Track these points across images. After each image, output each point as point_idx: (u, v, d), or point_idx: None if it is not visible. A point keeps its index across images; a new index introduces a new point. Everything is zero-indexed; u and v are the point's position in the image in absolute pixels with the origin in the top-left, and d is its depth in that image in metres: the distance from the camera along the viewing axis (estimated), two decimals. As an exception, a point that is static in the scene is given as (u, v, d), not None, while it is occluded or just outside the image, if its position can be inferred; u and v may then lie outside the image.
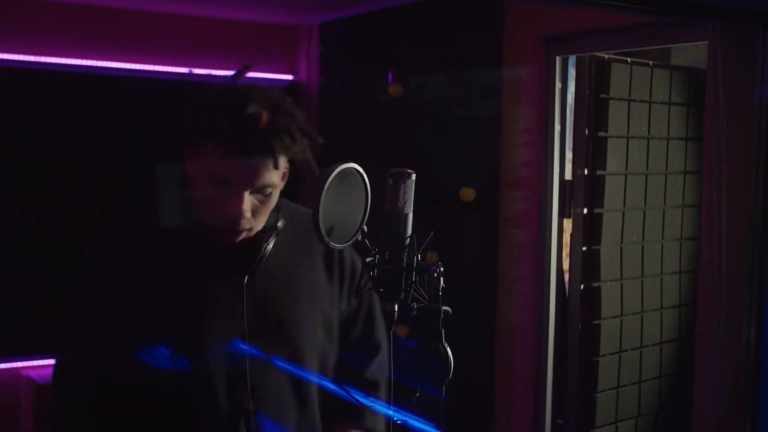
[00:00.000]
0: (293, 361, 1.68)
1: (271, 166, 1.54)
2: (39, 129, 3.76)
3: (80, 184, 3.85)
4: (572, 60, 3.21)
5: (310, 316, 1.73)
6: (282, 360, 1.67)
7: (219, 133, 1.51)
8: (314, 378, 1.71)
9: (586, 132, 3.17)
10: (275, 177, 1.57)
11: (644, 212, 3.32)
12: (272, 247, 1.63)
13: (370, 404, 1.73)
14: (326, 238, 1.50)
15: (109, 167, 3.89)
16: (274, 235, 1.64)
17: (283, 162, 1.58)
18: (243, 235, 1.59)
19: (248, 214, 1.55)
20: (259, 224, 1.61)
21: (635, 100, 3.21)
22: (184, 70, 3.96)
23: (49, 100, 3.78)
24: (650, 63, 3.27)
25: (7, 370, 3.78)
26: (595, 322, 3.20)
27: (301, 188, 4.29)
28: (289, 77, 4.30)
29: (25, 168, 3.74)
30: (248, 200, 1.55)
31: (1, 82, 3.66)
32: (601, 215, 3.19)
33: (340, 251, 1.76)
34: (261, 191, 1.57)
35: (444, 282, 1.47)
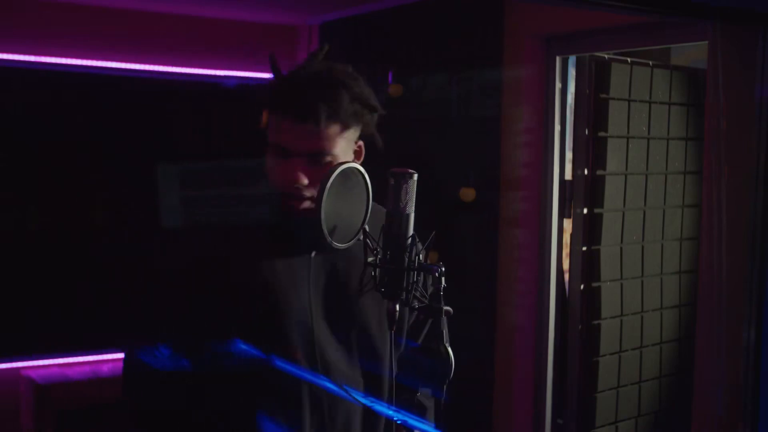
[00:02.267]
0: (367, 352, 1.69)
1: (320, 131, 1.57)
2: (39, 129, 3.75)
3: (80, 184, 3.85)
4: (572, 60, 3.21)
5: (377, 306, 1.72)
6: (356, 348, 1.68)
7: (272, 101, 1.60)
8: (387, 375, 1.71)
9: (586, 132, 3.17)
10: (329, 144, 1.59)
11: (644, 212, 3.32)
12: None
13: (370, 404, 1.73)
14: (329, 238, 1.50)
15: (108, 167, 3.89)
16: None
17: (335, 130, 1.59)
18: (306, 204, 1.60)
19: (304, 181, 1.58)
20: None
21: (635, 100, 3.21)
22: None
23: (49, 100, 3.78)
24: (650, 63, 3.27)
25: (7, 370, 3.78)
26: (595, 322, 3.21)
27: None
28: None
29: (25, 168, 3.74)
30: (302, 167, 1.58)
31: (1, 82, 3.66)
32: (601, 215, 3.19)
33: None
34: (317, 159, 1.59)
35: (445, 282, 1.47)
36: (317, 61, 1.69)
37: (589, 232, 3.19)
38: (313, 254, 1.65)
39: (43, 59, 3.74)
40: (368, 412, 1.71)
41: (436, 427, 1.54)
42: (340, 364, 1.66)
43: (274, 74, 1.68)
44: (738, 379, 2.47)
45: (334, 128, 1.59)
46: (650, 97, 3.26)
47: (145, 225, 3.70)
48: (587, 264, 3.20)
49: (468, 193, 3.35)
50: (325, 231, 1.49)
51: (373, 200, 1.57)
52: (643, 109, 3.25)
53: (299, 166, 1.58)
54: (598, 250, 3.19)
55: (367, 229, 1.53)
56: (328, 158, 1.60)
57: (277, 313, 1.60)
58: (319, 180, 1.56)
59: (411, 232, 1.46)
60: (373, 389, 1.72)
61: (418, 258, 1.46)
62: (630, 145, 3.22)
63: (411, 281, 1.45)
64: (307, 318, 1.62)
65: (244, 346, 1.57)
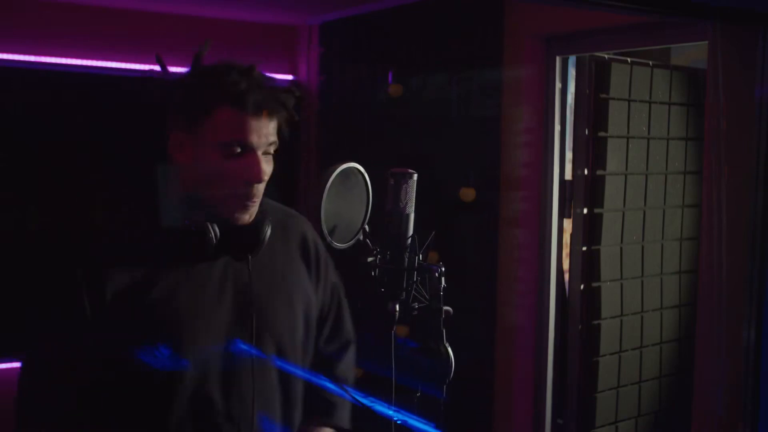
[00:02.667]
0: (280, 356, 1.67)
1: (271, 124, 1.55)
2: (39, 129, 3.75)
3: (80, 184, 3.85)
4: (572, 60, 3.21)
5: (295, 309, 1.71)
6: (270, 354, 1.65)
7: (233, 93, 1.53)
8: (300, 373, 1.70)
9: (586, 132, 3.17)
10: (276, 137, 1.58)
11: (644, 212, 3.32)
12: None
13: (370, 404, 1.73)
14: (329, 238, 1.50)
15: (108, 166, 3.89)
16: (268, 219, 1.61)
17: (276, 123, 1.58)
18: (251, 209, 1.57)
19: (266, 177, 1.55)
20: (258, 202, 1.60)
21: (635, 100, 3.21)
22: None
23: (49, 100, 3.78)
24: (650, 63, 3.27)
25: (7, 370, 3.78)
26: (595, 322, 3.21)
27: (302, 188, 4.27)
28: (289, 77, 4.29)
29: (25, 168, 3.74)
30: (263, 161, 1.55)
31: (1, 82, 3.66)
32: (601, 215, 3.19)
33: (313, 241, 1.74)
34: (268, 153, 1.57)
35: (445, 282, 1.47)
36: (202, 55, 1.67)
37: (589, 232, 3.19)
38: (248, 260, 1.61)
39: (43, 59, 3.74)
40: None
41: (436, 427, 1.54)
42: (269, 384, 1.66)
43: (192, 68, 1.63)
44: (738, 379, 2.47)
45: (275, 123, 1.59)
46: (650, 97, 3.26)
47: (146, 225, 3.70)
48: (587, 264, 3.20)
49: (468, 193, 3.35)
50: (325, 231, 1.49)
51: (372, 200, 1.57)
52: (643, 109, 3.25)
53: (259, 161, 1.55)
54: (598, 250, 3.19)
55: (367, 229, 1.53)
56: (274, 148, 1.59)
57: (199, 332, 1.57)
58: (268, 176, 1.57)
59: (411, 232, 1.46)
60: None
61: (418, 258, 1.46)
62: (630, 145, 3.22)
63: (411, 281, 1.45)
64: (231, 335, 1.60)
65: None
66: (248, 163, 1.53)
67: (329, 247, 1.59)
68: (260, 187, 1.56)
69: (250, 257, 1.58)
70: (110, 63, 3.88)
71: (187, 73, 1.62)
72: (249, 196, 1.56)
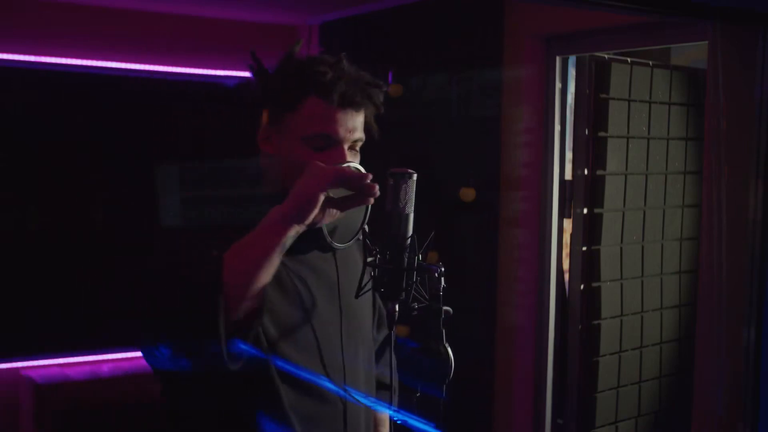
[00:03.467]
0: (363, 347, 1.70)
1: (358, 118, 1.56)
2: (39, 129, 3.75)
3: (80, 184, 3.85)
4: (572, 60, 3.21)
5: (368, 299, 1.75)
6: (358, 344, 1.68)
7: (320, 84, 1.52)
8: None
9: (586, 132, 3.17)
10: (362, 132, 1.58)
11: (644, 212, 3.32)
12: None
13: (370, 404, 1.73)
14: (329, 238, 1.50)
15: (108, 167, 3.89)
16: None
17: (363, 118, 1.58)
18: None
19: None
20: None
21: (635, 100, 3.21)
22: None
23: (49, 100, 3.78)
24: (650, 63, 3.27)
25: (7, 370, 3.78)
26: (595, 322, 3.21)
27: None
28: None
29: (25, 168, 3.74)
30: (349, 155, 1.54)
31: (1, 82, 3.66)
32: (601, 215, 3.19)
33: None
34: (354, 147, 1.57)
35: (445, 282, 1.47)
36: (295, 51, 1.65)
37: (589, 232, 3.19)
38: (334, 252, 1.62)
39: (43, 59, 3.74)
40: (361, 412, 1.71)
41: (436, 427, 1.54)
42: (340, 364, 1.66)
43: (283, 62, 1.61)
44: (738, 379, 2.47)
45: (362, 116, 1.58)
46: (650, 97, 3.26)
47: (145, 225, 3.70)
48: (587, 264, 3.20)
49: (468, 193, 3.35)
50: (325, 231, 1.49)
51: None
52: (643, 109, 3.25)
53: (345, 154, 1.54)
54: (598, 250, 3.19)
55: (367, 230, 1.53)
56: (360, 144, 1.59)
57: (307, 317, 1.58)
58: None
59: (410, 232, 1.46)
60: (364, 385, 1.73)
61: (418, 258, 1.46)
62: (630, 145, 3.22)
63: (410, 281, 1.45)
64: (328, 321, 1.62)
65: (243, 346, 1.57)
66: (333, 156, 1.52)
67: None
68: None
69: (335, 251, 1.60)
70: (110, 63, 3.88)
71: (278, 67, 1.61)
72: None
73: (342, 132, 1.53)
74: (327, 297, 1.63)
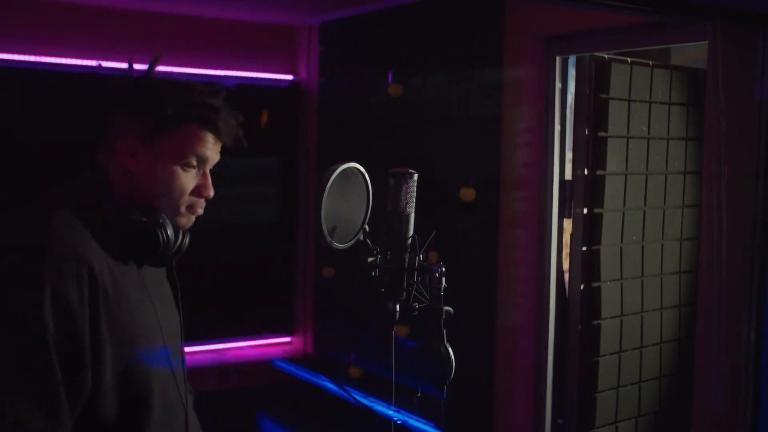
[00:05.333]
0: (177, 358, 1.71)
1: (219, 145, 1.64)
2: (39, 129, 3.75)
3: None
4: (572, 60, 3.21)
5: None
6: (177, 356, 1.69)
7: (207, 115, 1.59)
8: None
9: (586, 132, 3.17)
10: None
11: (644, 212, 3.32)
12: None
13: (370, 404, 1.73)
14: (329, 238, 1.50)
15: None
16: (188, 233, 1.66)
17: None
18: (192, 221, 1.63)
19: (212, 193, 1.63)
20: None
21: (635, 100, 3.21)
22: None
23: (49, 100, 3.78)
24: (650, 63, 3.27)
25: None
26: (595, 322, 3.21)
27: (302, 188, 4.27)
28: (289, 77, 4.29)
29: (25, 168, 3.74)
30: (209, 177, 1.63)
31: (1, 82, 3.66)
32: (601, 215, 3.19)
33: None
34: (208, 171, 1.65)
35: (445, 282, 1.47)
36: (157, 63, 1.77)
37: (589, 232, 3.19)
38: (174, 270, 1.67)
39: (43, 59, 3.74)
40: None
41: (436, 427, 1.54)
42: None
43: (149, 75, 1.74)
44: (738, 379, 2.47)
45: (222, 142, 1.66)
46: (650, 97, 3.26)
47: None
48: (587, 264, 3.20)
49: (468, 193, 3.35)
50: (325, 231, 1.49)
51: (373, 200, 1.57)
52: (643, 109, 3.25)
53: (208, 175, 1.63)
54: (598, 250, 3.19)
55: (368, 230, 1.53)
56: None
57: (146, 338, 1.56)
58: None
59: (411, 232, 1.46)
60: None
61: (419, 258, 1.46)
62: (630, 145, 3.22)
63: (411, 281, 1.45)
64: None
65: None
66: (203, 178, 1.61)
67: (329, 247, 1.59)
68: (204, 203, 1.64)
69: (173, 264, 1.65)
70: (110, 63, 3.88)
71: (144, 78, 1.69)
72: (196, 210, 1.62)
73: (211, 155, 1.62)
74: (170, 313, 1.67)
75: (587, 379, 3.22)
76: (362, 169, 1.56)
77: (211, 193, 1.62)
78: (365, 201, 1.56)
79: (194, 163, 1.59)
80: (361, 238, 1.53)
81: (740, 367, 2.47)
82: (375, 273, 1.45)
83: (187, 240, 1.62)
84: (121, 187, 1.61)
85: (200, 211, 1.63)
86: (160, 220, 1.55)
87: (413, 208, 1.46)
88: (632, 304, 3.31)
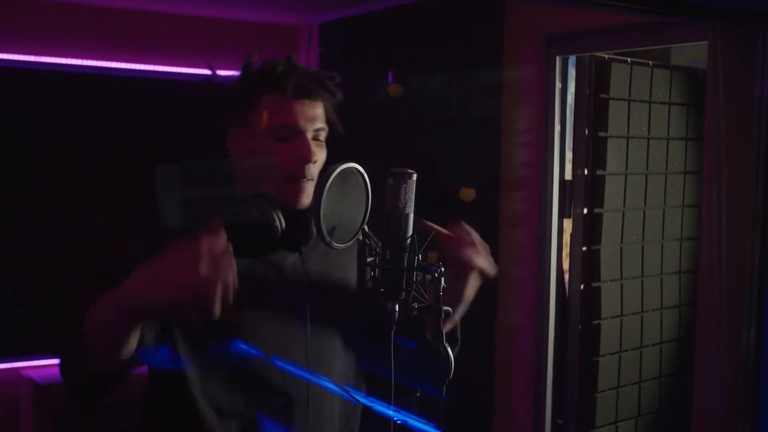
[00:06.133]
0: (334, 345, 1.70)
1: (317, 106, 1.62)
2: (39, 129, 3.75)
3: (80, 184, 3.85)
4: (572, 60, 3.21)
5: (347, 296, 1.75)
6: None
7: (273, 78, 1.59)
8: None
9: (586, 132, 3.17)
10: (324, 121, 1.63)
11: (644, 212, 3.32)
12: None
13: (370, 404, 1.73)
14: (328, 238, 1.50)
15: (108, 166, 3.89)
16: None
17: (322, 108, 1.64)
18: (307, 190, 1.58)
19: (315, 158, 1.58)
20: (312, 183, 1.61)
21: (635, 100, 3.21)
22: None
23: (49, 100, 3.78)
24: (650, 63, 3.27)
25: (7, 370, 3.78)
26: (595, 322, 3.21)
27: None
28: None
29: (26, 168, 3.74)
30: (312, 144, 1.59)
31: (1, 82, 3.66)
32: (601, 215, 3.19)
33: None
34: (318, 137, 1.62)
35: (445, 282, 1.47)
36: (253, 60, 1.73)
37: (589, 232, 3.19)
38: (305, 250, 1.63)
39: (43, 59, 3.74)
40: (355, 412, 1.73)
41: (436, 427, 1.54)
42: (332, 362, 1.67)
43: (242, 71, 1.69)
44: (738, 379, 2.47)
45: (322, 107, 1.64)
46: (650, 97, 3.26)
47: (145, 225, 3.70)
48: (587, 264, 3.20)
49: (468, 193, 3.35)
50: (325, 231, 1.49)
51: (372, 200, 1.57)
52: (643, 109, 3.25)
53: (308, 142, 1.59)
54: (598, 250, 3.19)
55: (367, 230, 1.53)
56: (324, 135, 1.64)
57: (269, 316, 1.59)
58: (321, 160, 1.61)
59: (410, 232, 1.46)
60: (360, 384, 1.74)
61: (418, 258, 1.46)
62: (630, 145, 3.22)
63: (410, 281, 1.45)
64: (304, 317, 1.62)
65: (244, 346, 1.57)
66: (297, 144, 1.58)
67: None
68: (312, 169, 1.59)
69: (303, 249, 1.62)
70: (110, 63, 3.88)
71: (238, 76, 1.69)
72: (301, 176, 1.58)
73: (302, 121, 1.59)
74: (289, 302, 1.64)
75: (587, 379, 3.22)
76: (361, 169, 1.56)
77: (310, 156, 1.57)
78: (364, 201, 1.56)
79: (285, 133, 1.58)
80: (360, 238, 1.53)
81: (740, 367, 2.47)
82: (374, 273, 1.45)
83: (311, 224, 1.55)
84: (240, 177, 1.64)
85: (309, 176, 1.58)
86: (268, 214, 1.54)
87: (413, 208, 1.46)
88: (632, 304, 3.30)
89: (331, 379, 1.68)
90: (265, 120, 1.59)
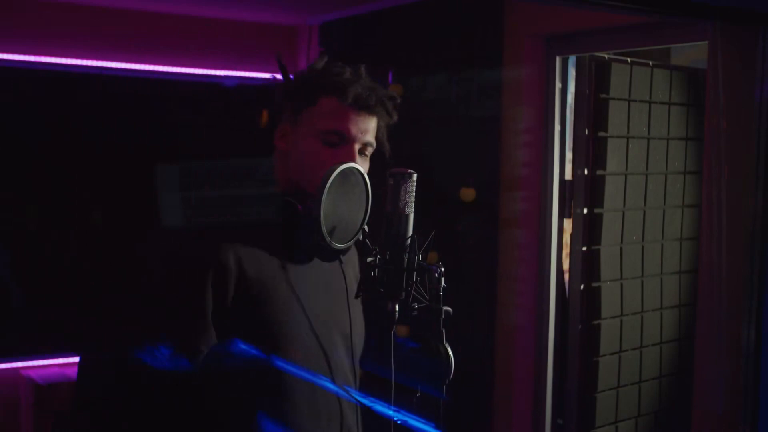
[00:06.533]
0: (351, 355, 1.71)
1: (372, 122, 1.62)
2: (39, 129, 3.76)
3: (80, 184, 3.85)
4: (572, 60, 3.21)
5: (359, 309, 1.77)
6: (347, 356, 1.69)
7: (337, 84, 1.60)
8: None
9: (586, 132, 3.17)
10: (373, 136, 1.64)
11: (644, 212, 3.32)
12: None
13: (370, 404, 1.73)
14: (328, 239, 1.50)
15: (108, 166, 3.89)
16: None
17: (376, 123, 1.64)
18: None
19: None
20: None
21: (635, 100, 3.21)
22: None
23: (49, 100, 3.78)
24: (650, 63, 3.27)
25: (7, 370, 3.78)
26: (595, 322, 3.21)
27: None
28: (290, 77, 4.29)
29: (26, 168, 3.74)
30: (357, 156, 1.60)
31: (1, 82, 3.66)
32: (601, 215, 3.19)
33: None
34: (364, 151, 1.62)
35: (445, 282, 1.47)
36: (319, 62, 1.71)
37: (589, 232, 3.19)
38: (341, 261, 1.63)
39: (43, 59, 3.74)
40: (362, 412, 1.73)
41: (436, 427, 1.54)
42: (344, 367, 1.67)
43: (307, 68, 1.69)
44: (738, 379, 2.47)
45: (376, 122, 1.65)
46: (650, 97, 3.26)
47: (146, 225, 3.70)
48: (587, 264, 3.20)
49: (468, 193, 3.35)
50: (325, 231, 1.49)
51: (372, 200, 1.57)
52: (643, 109, 3.25)
53: (355, 152, 1.60)
54: (598, 250, 3.19)
55: (367, 230, 1.53)
56: (371, 150, 1.65)
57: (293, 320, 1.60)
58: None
59: (410, 232, 1.46)
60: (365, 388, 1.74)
61: (418, 258, 1.46)
62: (630, 145, 3.22)
63: (410, 281, 1.45)
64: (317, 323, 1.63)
65: (244, 346, 1.57)
66: (343, 153, 1.59)
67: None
68: None
69: (341, 258, 1.62)
70: (110, 63, 3.88)
71: (301, 72, 1.70)
72: None
73: (354, 131, 1.60)
74: (330, 308, 1.66)
75: (587, 379, 3.22)
76: (361, 169, 1.56)
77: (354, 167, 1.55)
78: (364, 201, 1.56)
79: (335, 139, 1.59)
80: (361, 238, 1.53)
81: (740, 367, 2.47)
82: (374, 273, 1.46)
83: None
84: (282, 173, 1.65)
85: None
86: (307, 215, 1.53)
87: (413, 208, 1.46)
88: (632, 304, 3.30)
89: (347, 383, 1.69)
90: (321, 121, 1.60)
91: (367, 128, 1.62)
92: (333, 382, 1.63)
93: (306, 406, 1.60)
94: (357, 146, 1.60)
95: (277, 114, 1.68)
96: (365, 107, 1.60)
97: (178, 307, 1.53)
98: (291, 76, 1.70)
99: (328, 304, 1.66)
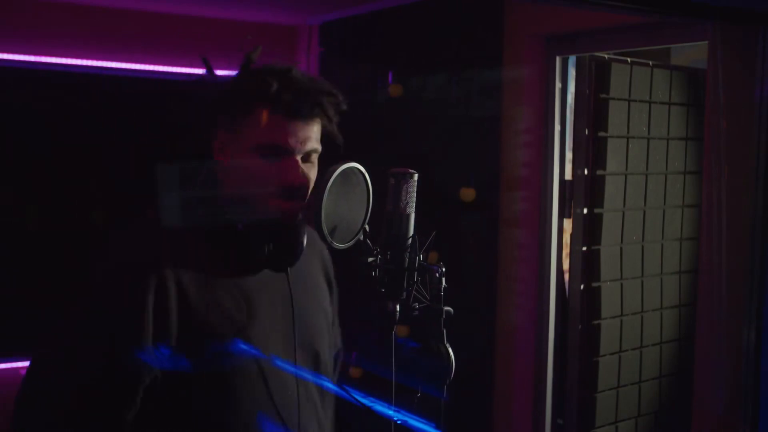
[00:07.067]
0: (317, 369, 1.69)
1: (317, 128, 1.55)
2: (39, 129, 3.75)
3: (80, 184, 3.85)
4: (572, 60, 3.21)
5: (324, 318, 1.74)
6: (309, 367, 1.66)
7: (267, 95, 1.51)
8: (332, 387, 1.72)
9: (586, 132, 3.17)
10: (317, 142, 1.56)
11: (644, 212, 3.32)
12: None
13: (370, 404, 1.73)
14: (329, 238, 1.50)
15: (108, 167, 3.89)
16: (304, 221, 1.59)
17: (319, 128, 1.57)
18: (292, 210, 1.54)
19: (304, 181, 1.52)
20: (300, 207, 1.56)
21: (635, 100, 3.21)
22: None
23: (49, 100, 3.78)
24: (650, 63, 3.27)
25: (7, 370, 3.78)
26: (595, 322, 3.21)
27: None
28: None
29: (25, 168, 3.74)
30: (301, 167, 1.53)
31: (1, 82, 3.66)
32: (601, 215, 3.19)
33: (325, 249, 1.75)
34: (309, 158, 1.55)
35: (445, 282, 1.47)
36: (254, 59, 1.65)
37: (589, 232, 3.19)
38: (287, 272, 1.59)
39: (43, 59, 3.74)
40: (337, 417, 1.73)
41: (436, 427, 1.54)
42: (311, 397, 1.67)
43: (240, 71, 1.62)
44: (738, 379, 2.47)
45: (318, 126, 1.58)
46: (650, 97, 3.26)
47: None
48: (587, 264, 3.20)
49: (468, 193, 3.35)
50: (326, 231, 1.49)
51: (373, 200, 1.57)
52: (643, 109, 3.25)
53: (298, 164, 1.53)
54: (598, 250, 3.19)
55: (368, 230, 1.53)
56: (316, 156, 1.58)
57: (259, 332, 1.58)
58: (311, 179, 1.55)
59: (411, 232, 1.46)
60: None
61: (419, 258, 1.46)
62: (630, 145, 3.22)
63: (411, 281, 1.45)
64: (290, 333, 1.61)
65: (243, 346, 1.57)
66: (286, 167, 1.51)
67: (329, 248, 1.59)
68: (300, 192, 1.53)
69: (288, 269, 1.58)
70: (110, 63, 3.88)
71: (235, 76, 1.62)
72: (288, 201, 1.53)
73: (292, 142, 1.52)
74: (277, 319, 1.61)
75: (587, 379, 3.22)
76: (362, 169, 1.56)
77: (297, 181, 1.50)
78: (365, 201, 1.56)
79: (272, 152, 1.51)
80: (361, 238, 1.53)
81: (740, 367, 2.47)
82: (375, 273, 1.46)
83: (297, 239, 1.53)
84: (224, 187, 1.58)
85: (295, 204, 1.53)
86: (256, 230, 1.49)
87: (413, 208, 1.46)
88: (632, 304, 3.31)
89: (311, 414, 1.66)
90: (256, 136, 1.52)
91: (308, 136, 1.53)
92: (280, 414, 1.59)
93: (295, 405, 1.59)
94: (299, 156, 1.53)
95: (214, 123, 1.60)
96: (300, 115, 1.52)
97: (115, 328, 1.52)
98: (222, 79, 1.61)
99: (274, 320, 1.62)
